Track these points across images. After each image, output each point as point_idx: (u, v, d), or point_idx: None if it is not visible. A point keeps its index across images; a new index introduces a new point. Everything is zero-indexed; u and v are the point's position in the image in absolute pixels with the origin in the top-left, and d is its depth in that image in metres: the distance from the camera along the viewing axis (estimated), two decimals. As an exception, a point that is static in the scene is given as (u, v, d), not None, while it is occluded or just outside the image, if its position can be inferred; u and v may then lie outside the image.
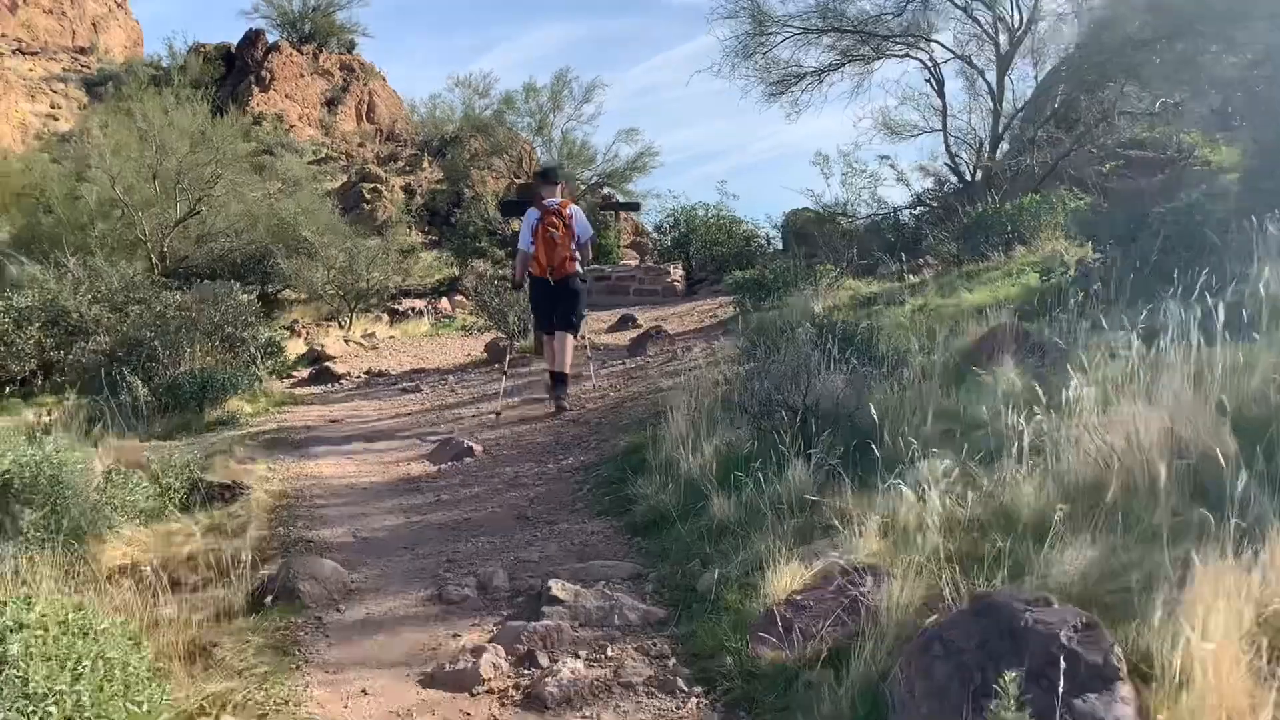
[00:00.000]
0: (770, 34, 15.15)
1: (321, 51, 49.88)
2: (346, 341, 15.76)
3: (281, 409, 10.80)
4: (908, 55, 15.24)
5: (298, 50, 48.38)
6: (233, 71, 47.67)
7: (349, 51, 51.95)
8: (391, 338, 16.78)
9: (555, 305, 9.53)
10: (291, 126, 43.78)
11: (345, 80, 50.14)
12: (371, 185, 31.55)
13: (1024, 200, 13.60)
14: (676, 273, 19.71)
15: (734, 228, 20.99)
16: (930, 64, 15.10)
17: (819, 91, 15.88)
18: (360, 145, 43.24)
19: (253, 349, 11.17)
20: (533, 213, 9.63)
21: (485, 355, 13.60)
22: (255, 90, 45.13)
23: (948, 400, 6.13)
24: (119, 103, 25.00)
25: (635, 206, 21.61)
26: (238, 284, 11.96)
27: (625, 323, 15.61)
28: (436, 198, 29.05)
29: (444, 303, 18.92)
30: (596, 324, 16.38)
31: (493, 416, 9.38)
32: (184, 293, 14.44)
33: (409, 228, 29.06)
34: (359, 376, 13.36)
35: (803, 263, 20.83)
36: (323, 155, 39.38)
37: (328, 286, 17.76)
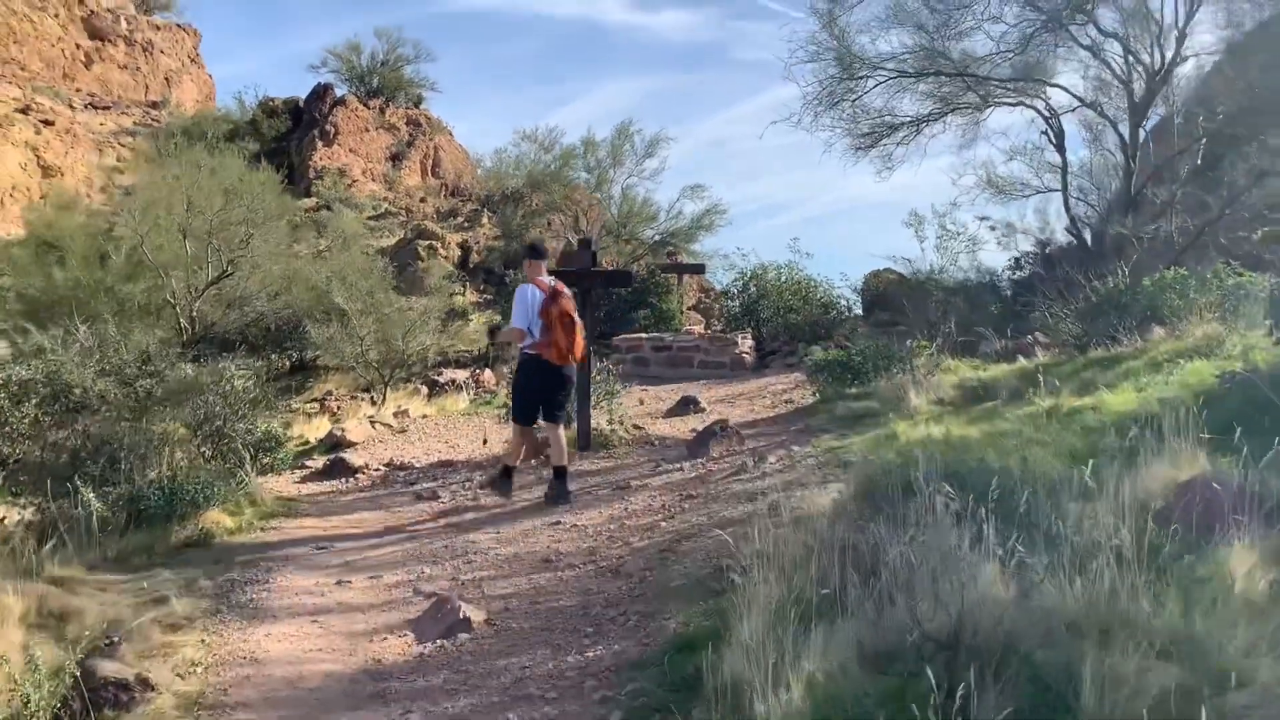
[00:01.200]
0: (860, 78, 13.21)
1: (388, 106, 49.47)
2: (374, 424, 13.99)
3: (269, 523, 8.98)
4: (1021, 103, 13.17)
5: (364, 105, 47.97)
6: (299, 126, 47.34)
7: (416, 106, 51.52)
8: (425, 416, 14.99)
9: (555, 394, 9.01)
10: (354, 181, 43.09)
11: (411, 135, 49.57)
12: (427, 243, 30.18)
13: (1166, 274, 11.35)
14: (745, 343, 17.69)
15: (810, 292, 18.95)
16: (1048, 113, 13.02)
17: (915, 144, 13.85)
18: (422, 200, 42.25)
19: (241, 446, 9.38)
20: (534, 291, 8.81)
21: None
22: (319, 144, 44.62)
23: (1161, 612, 4.00)
24: (159, 156, 23.90)
25: (700, 269, 19.74)
26: (233, 365, 10.20)
27: (686, 406, 13.59)
28: (492, 255, 27.54)
29: (487, 374, 17.15)
30: (654, 404, 14.43)
31: (506, 556, 7.43)
32: (204, 364, 12.82)
33: (463, 287, 27.54)
34: (377, 470, 11.54)
35: (890, 336, 18.70)
36: (382, 211, 38.36)
37: (361, 358, 16.09)
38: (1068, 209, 13.87)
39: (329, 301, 17.19)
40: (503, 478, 9.20)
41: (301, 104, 48.00)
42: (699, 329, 20.05)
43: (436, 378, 17.44)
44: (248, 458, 9.43)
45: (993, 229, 16.09)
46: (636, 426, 11.91)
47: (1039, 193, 14.57)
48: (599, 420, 11.51)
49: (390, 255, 30.01)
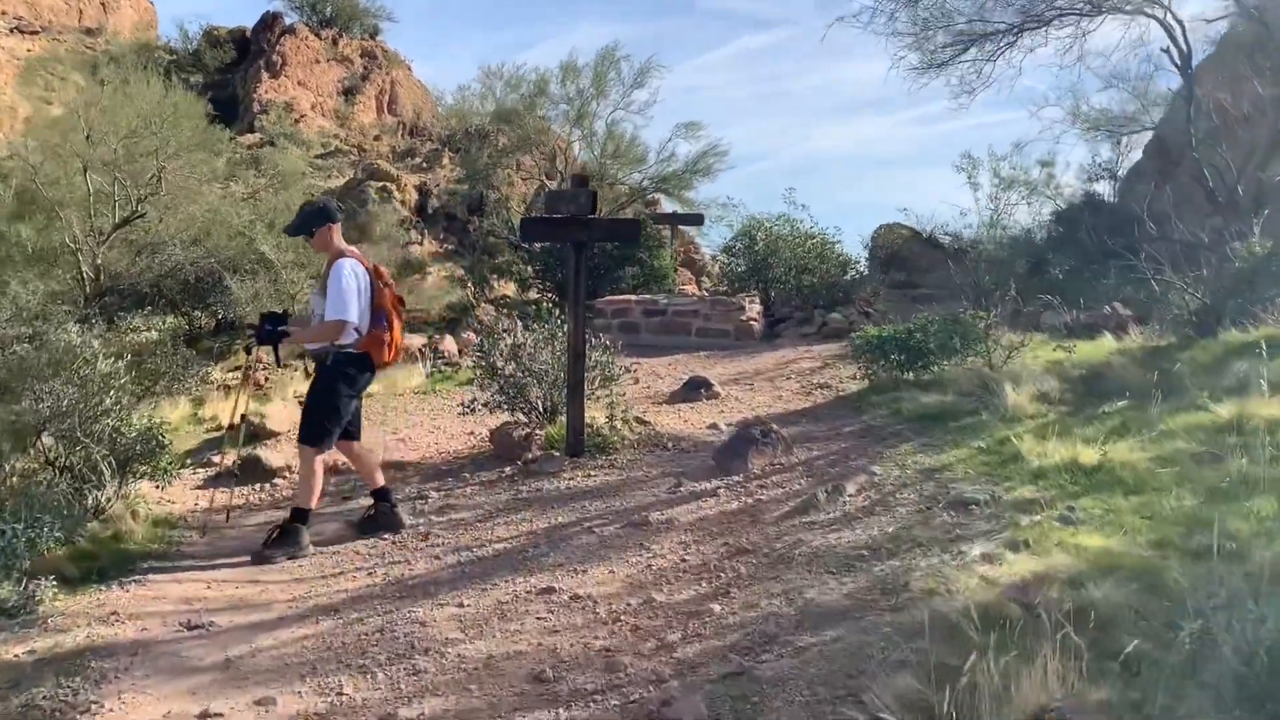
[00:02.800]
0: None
1: (342, 37, 45.85)
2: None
3: (129, 578, 6.23)
4: (1141, 11, 10.46)
5: (315, 35, 44.42)
6: (246, 58, 43.77)
7: (372, 37, 47.93)
8: (369, 396, 12.19)
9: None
10: (302, 117, 39.61)
11: (366, 68, 46.03)
12: (380, 184, 27.10)
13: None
14: (753, 308, 15.03)
15: (826, 250, 16.28)
16: (1175, 23, 10.28)
17: (1007, 60, 10.97)
18: (376, 139, 38.94)
19: (100, 457, 6.63)
20: (357, 266, 6.47)
21: (490, 447, 9.00)
22: (265, 76, 41.10)
23: None
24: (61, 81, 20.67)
25: (698, 219, 17.04)
26: (85, 334, 7.43)
27: (695, 390, 10.94)
28: (454, 199, 24.57)
29: (448, 342, 14.38)
30: (652, 383, 11.79)
31: (473, 661, 4.79)
32: (101, 324, 10.11)
33: (420, 235, 24.57)
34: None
35: (912, 303, 16.12)
36: (332, 149, 35.09)
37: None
38: (1193, 147, 11.24)
39: (256, 250, 14.27)
40: (289, 531, 6.56)
41: (249, 34, 44.39)
42: (691, 289, 17.35)
43: (388, 343, 14.63)
44: (107, 472, 6.67)
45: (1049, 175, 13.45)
46: (640, 420, 9.24)
47: (1142, 130, 12.00)
48: (595, 413, 8.84)
49: (338, 198, 26.90)
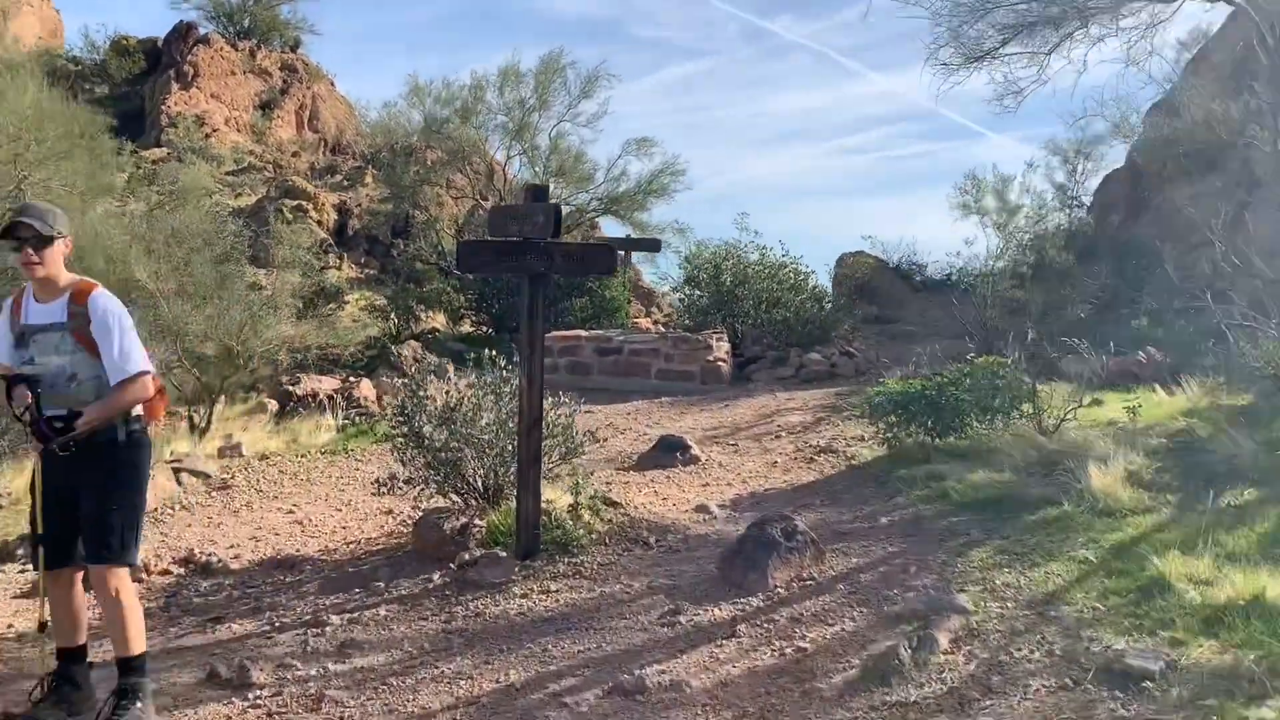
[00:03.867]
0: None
1: (260, 49, 43.25)
2: (178, 474, 8.96)
3: None
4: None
5: (232, 46, 41.77)
6: (157, 69, 40.95)
7: (293, 50, 45.40)
8: (264, 459, 9.97)
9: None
10: (214, 131, 36.94)
11: (285, 81, 43.46)
12: (295, 203, 24.70)
13: None
14: (721, 347, 13.10)
15: (800, 282, 14.43)
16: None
17: (1066, 51, 9.16)
18: (295, 155, 36.43)
19: None
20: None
21: (413, 542, 6.87)
22: (174, 87, 38.32)
23: None
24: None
25: (654, 245, 15.10)
26: None
27: (671, 453, 8.94)
28: (376, 220, 22.29)
29: (365, 386, 12.18)
30: (615, 440, 9.79)
31: None
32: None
33: (339, 258, 22.26)
34: (163, 575, 6.71)
35: (891, 340, 14.38)
36: (245, 164, 32.52)
37: (173, 363, 10.96)
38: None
39: (126, 274, 11.91)
40: (128, 694, 3.99)
41: (160, 44, 41.61)
42: (649, 324, 15.36)
43: (292, 387, 12.35)
44: None
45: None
46: (609, 501, 7.18)
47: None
48: (553, 494, 6.78)
49: (248, 217, 24.45)
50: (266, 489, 8.96)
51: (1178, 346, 10.54)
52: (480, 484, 6.87)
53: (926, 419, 7.74)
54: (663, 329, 15.31)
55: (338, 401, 11.60)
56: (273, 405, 12.12)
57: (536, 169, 18.13)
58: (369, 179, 27.76)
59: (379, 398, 12.13)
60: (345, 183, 29.25)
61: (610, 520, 6.82)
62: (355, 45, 71.17)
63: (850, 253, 20.21)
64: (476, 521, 6.65)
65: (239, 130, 38.90)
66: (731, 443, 9.52)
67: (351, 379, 12.71)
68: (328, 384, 12.50)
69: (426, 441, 6.84)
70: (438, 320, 16.80)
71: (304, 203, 24.69)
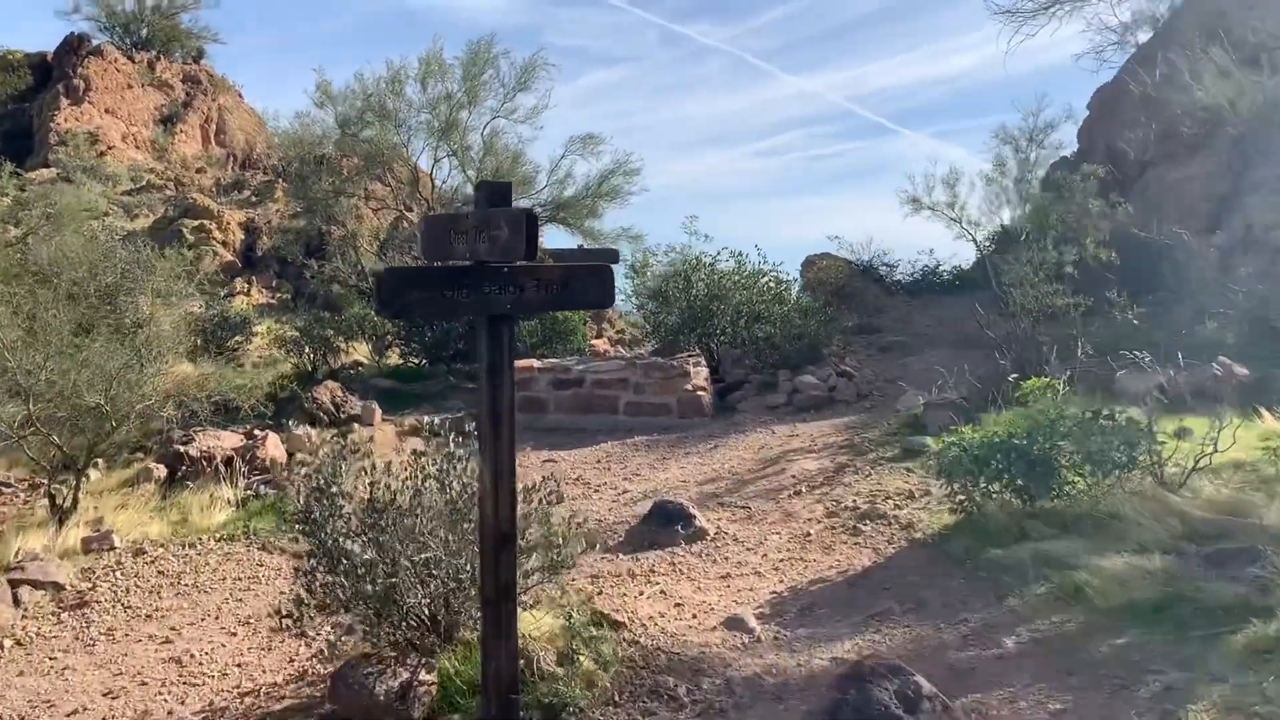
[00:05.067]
0: None
1: (160, 60, 40.41)
2: (15, 586, 6.72)
3: None
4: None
5: (128, 57, 38.89)
6: (48, 83, 37.85)
7: (196, 61, 42.59)
8: (140, 554, 7.71)
9: None
10: (110, 148, 34.03)
11: (189, 94, 40.64)
12: (197, 222, 22.17)
13: None
14: (699, 373, 11.11)
15: (784, 292, 12.52)
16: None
17: None
18: (199, 171, 33.69)
19: None
20: None
21: (330, 701, 4.73)
22: (64, 103, 35.31)
23: None
24: None
25: (613, 256, 13.07)
26: None
27: (669, 526, 6.92)
28: (288, 239, 19.91)
29: (272, 444, 9.92)
30: (583, 496, 7.78)
31: None
32: None
33: (245, 283, 19.80)
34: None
35: (883, 353, 12.59)
36: (143, 183, 29.76)
37: (24, 431, 8.64)
38: None
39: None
40: None
41: (50, 58, 38.53)
42: (606, 346, 13.31)
43: (184, 447, 10.03)
44: None
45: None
46: (610, 620, 5.16)
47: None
48: (532, 621, 4.75)
49: (144, 240, 21.87)
50: (138, 604, 6.73)
51: (1261, 358, 8.83)
52: (427, 614, 4.78)
53: (1017, 477, 5.82)
54: (624, 352, 13.26)
55: (238, 466, 9.35)
56: (159, 471, 9.80)
57: (469, 172, 15.93)
58: (280, 194, 25.28)
59: (289, 458, 9.90)
60: (254, 199, 26.71)
61: (615, 656, 4.78)
62: (266, 58, 67.97)
63: (816, 255, 18.39)
64: (423, 676, 4.57)
65: (138, 147, 36.06)
66: (740, 504, 7.52)
67: (257, 433, 10.46)
68: (228, 441, 10.22)
69: (345, 559, 4.73)
70: (360, 351, 14.59)
71: (206, 222, 22.15)
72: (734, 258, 12.61)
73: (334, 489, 4.85)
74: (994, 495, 6.04)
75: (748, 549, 6.53)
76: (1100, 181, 15.67)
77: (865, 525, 6.61)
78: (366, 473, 4.87)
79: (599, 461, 9.63)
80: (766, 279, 12.54)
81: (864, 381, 11.38)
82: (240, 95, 43.04)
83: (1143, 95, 20.50)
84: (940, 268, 20.46)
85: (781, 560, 6.25)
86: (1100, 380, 9.19)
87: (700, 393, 10.97)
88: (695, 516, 6.96)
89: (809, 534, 6.66)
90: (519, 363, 11.35)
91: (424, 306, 4.02)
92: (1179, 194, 17.58)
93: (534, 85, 16.37)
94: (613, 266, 4.67)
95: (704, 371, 11.22)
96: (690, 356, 11.33)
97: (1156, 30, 25.17)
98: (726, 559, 6.38)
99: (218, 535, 8.17)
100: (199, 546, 7.91)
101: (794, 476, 8.04)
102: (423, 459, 5.05)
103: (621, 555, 6.70)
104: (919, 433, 8.86)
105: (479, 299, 4.05)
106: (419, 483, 4.90)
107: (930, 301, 17.02)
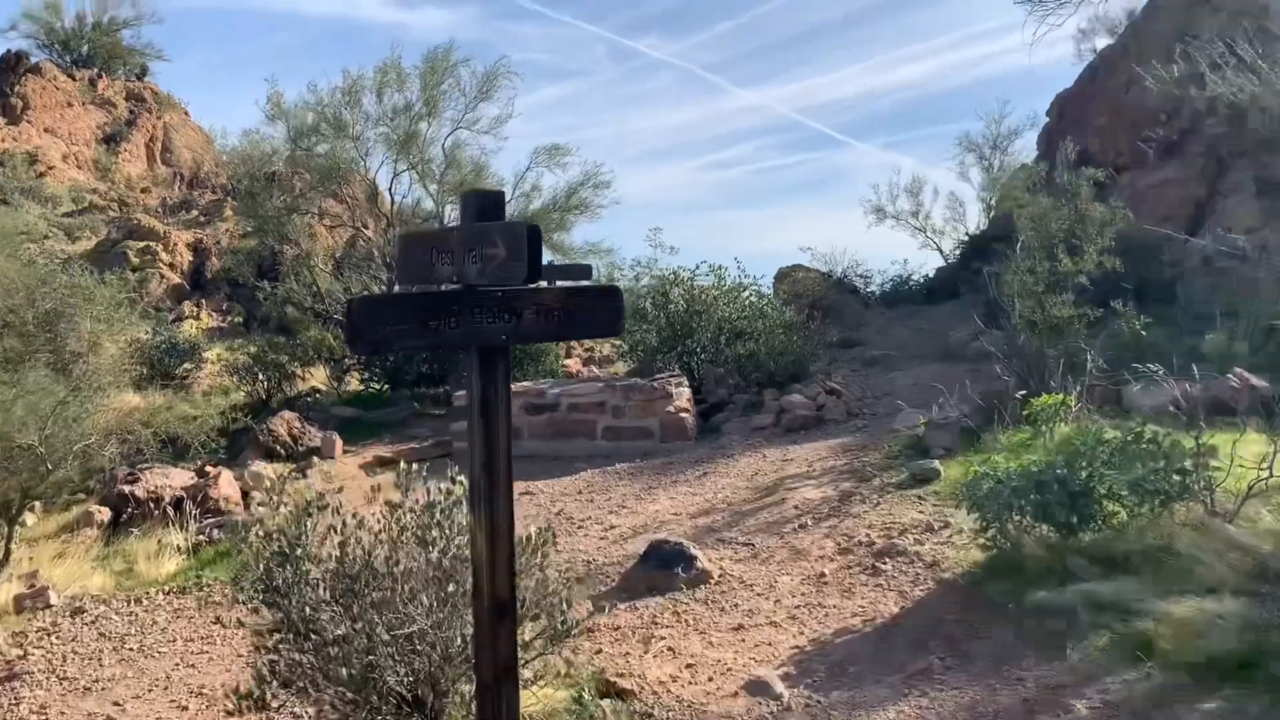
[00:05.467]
0: None
1: (103, 78, 39.31)
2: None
3: None
4: None
5: (68, 75, 37.78)
6: (-16, 103, 36.52)
7: (140, 78, 41.54)
8: (80, 613, 6.95)
9: None
10: (50, 169, 32.90)
11: (133, 112, 39.54)
12: (142, 244, 21.26)
13: None
14: (682, 394, 10.53)
15: (768, 306, 11.99)
16: None
17: None
18: (145, 191, 32.67)
19: None
20: None
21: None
22: (1, 123, 34.16)
23: None
24: None
25: (585, 272, 12.63)
26: None
27: (668, 568, 6.32)
28: (238, 260, 19.07)
29: (225, 481, 9.15)
30: (565, 531, 7.16)
31: None
32: None
33: (195, 306, 18.94)
34: None
35: (864, 367, 12.11)
36: (85, 204, 28.70)
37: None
38: None
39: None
40: None
41: (-14, 77, 37.25)
42: (577, 366, 12.69)
43: (129, 487, 9.25)
44: None
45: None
46: (616, 689, 4.54)
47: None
48: (534, 704, 4.11)
49: (86, 264, 20.93)
50: (76, 674, 5.98)
51: (1276, 368, 8.41)
52: (410, 695, 4.12)
53: (1057, 510, 5.28)
54: (597, 371, 12.63)
55: (189, 508, 8.58)
56: (102, 514, 9.01)
57: (430, 186, 15.26)
58: (230, 213, 24.38)
59: (244, 497, 9.16)
60: (202, 219, 25.80)
61: (628, 732, 4.16)
62: (214, 75, 66.54)
63: (788, 266, 17.95)
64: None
65: (80, 167, 34.93)
66: (742, 541, 6.92)
67: (209, 470, 9.69)
68: (177, 479, 9.45)
69: (311, 628, 4.06)
70: (318, 377, 13.82)
71: (152, 244, 21.24)
72: (713, 271, 12.08)
73: (299, 552, 4.18)
74: (1030, 529, 5.49)
75: (758, 594, 5.93)
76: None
77: (885, 563, 6.04)
78: (335, 531, 4.21)
79: (580, 493, 9.00)
80: (748, 293, 12.00)
81: (853, 399, 10.85)
82: (187, 113, 41.97)
83: (1108, 99, 20.37)
84: (910, 277, 20.14)
85: (798, 607, 5.65)
86: (1108, 395, 8.73)
87: (683, 415, 10.37)
88: (696, 557, 6.35)
89: (823, 574, 6.08)
90: (490, 387, 10.70)
91: (404, 339, 3.37)
92: (1155, 199, 17.32)
93: (496, 94, 15.72)
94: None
95: (686, 392, 10.64)
96: (671, 376, 10.74)
97: (1118, 37, 25.14)
98: (736, 606, 5.77)
99: (167, 588, 7.42)
100: (146, 602, 7.16)
101: (796, 507, 7.46)
102: (400, 511, 4.40)
103: (618, 604, 6.07)
104: (923, 455, 8.33)
105: (469, 329, 3.44)
106: (395, 536, 4.26)
107: (908, 313, 16.60)
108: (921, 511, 6.89)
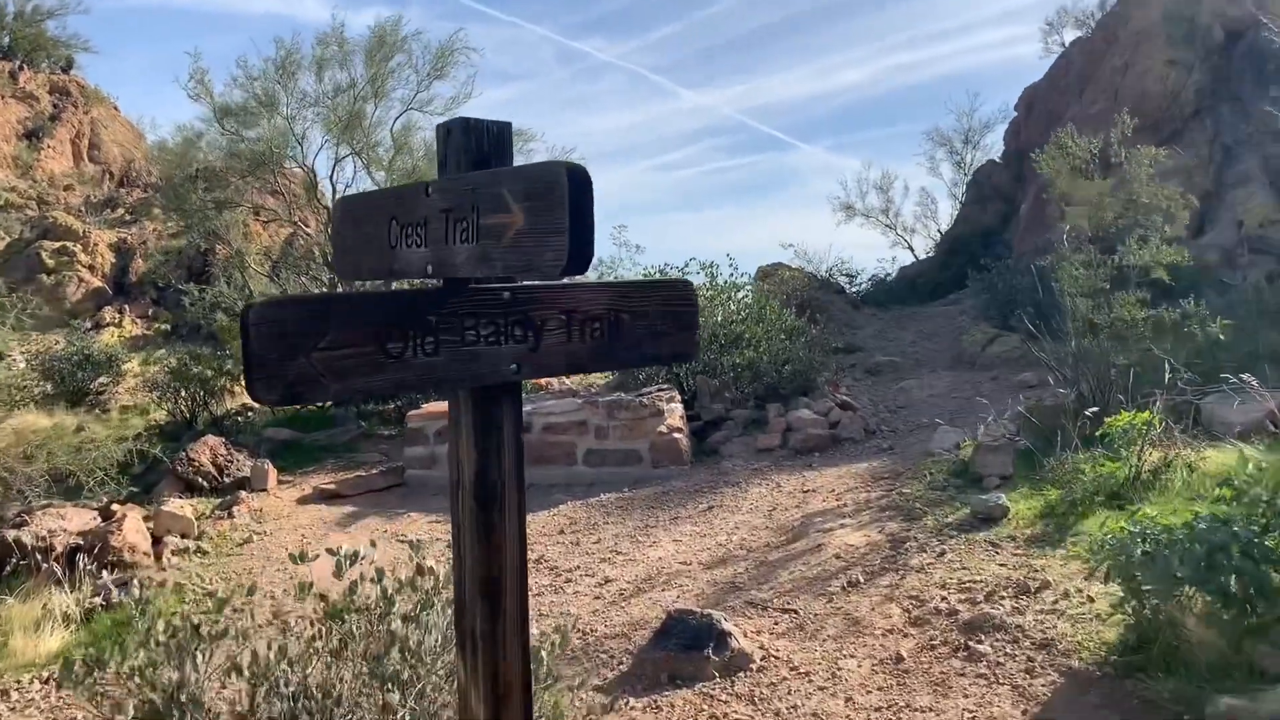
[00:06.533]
0: None
1: (24, 70, 37.05)
2: None
3: None
4: None
5: (-13, 66, 35.60)
6: (-105, 98, 34.33)
7: (65, 71, 39.27)
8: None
9: None
10: (-36, 165, 30.81)
11: (57, 106, 37.29)
12: (58, 244, 19.36)
13: None
14: (674, 411, 9.10)
15: (766, 310, 10.60)
16: None
17: None
18: (67, 189, 30.55)
19: None
20: None
21: None
22: (-90, 116, 32.04)
23: None
24: None
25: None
26: None
27: (696, 650, 4.86)
28: (166, 262, 17.29)
29: (131, 525, 7.50)
30: (568, 599, 5.73)
31: None
32: None
33: (117, 313, 17.13)
34: None
35: (868, 375, 10.84)
36: (1, 203, 26.59)
37: None
38: None
39: None
40: None
41: (-102, 70, 35.04)
42: (555, 383, 11.21)
43: (15, 530, 7.59)
44: None
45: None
46: None
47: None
48: None
49: (-6, 266, 19.00)
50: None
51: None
52: None
53: (1233, 580, 3.93)
54: (571, 384, 11.15)
55: (83, 561, 6.97)
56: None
57: (376, 174, 13.65)
58: (157, 212, 22.50)
59: (156, 544, 7.55)
60: (128, 218, 23.86)
61: None
62: (150, 74, 63.86)
63: (769, 264, 16.59)
64: None
65: (-2, 164, 32.72)
66: (780, 604, 5.50)
67: (116, 508, 8.08)
68: (75, 521, 7.81)
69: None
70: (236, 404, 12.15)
71: (70, 244, 19.34)
72: (704, 270, 10.68)
73: (184, 696, 2.69)
74: (1190, 600, 4.14)
75: (819, 687, 4.52)
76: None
77: (980, 642, 4.65)
78: (241, 670, 2.73)
79: (562, 532, 7.54)
80: (743, 293, 10.61)
81: (870, 415, 9.50)
82: (116, 108, 39.79)
83: (1101, 85, 19.31)
84: (887, 277, 19.07)
85: (879, 710, 4.25)
86: (1182, 410, 7.45)
87: (676, 435, 8.94)
88: (730, 634, 4.92)
89: (900, 657, 4.68)
90: (432, 407, 9.24)
91: (343, 378, 1.91)
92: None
93: (452, 72, 14.15)
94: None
95: (679, 409, 9.21)
96: (660, 390, 9.29)
97: (1085, 31, 24.23)
98: (795, 709, 4.35)
99: (44, 674, 5.82)
100: (16, 696, 5.56)
101: (838, 556, 6.05)
102: (342, 617, 2.92)
103: (631, 699, 4.62)
104: (975, 485, 7.00)
105: (456, 356, 2.00)
106: (332, 673, 2.78)
107: (901, 314, 15.33)
108: (1002, 564, 5.52)
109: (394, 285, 7.81)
